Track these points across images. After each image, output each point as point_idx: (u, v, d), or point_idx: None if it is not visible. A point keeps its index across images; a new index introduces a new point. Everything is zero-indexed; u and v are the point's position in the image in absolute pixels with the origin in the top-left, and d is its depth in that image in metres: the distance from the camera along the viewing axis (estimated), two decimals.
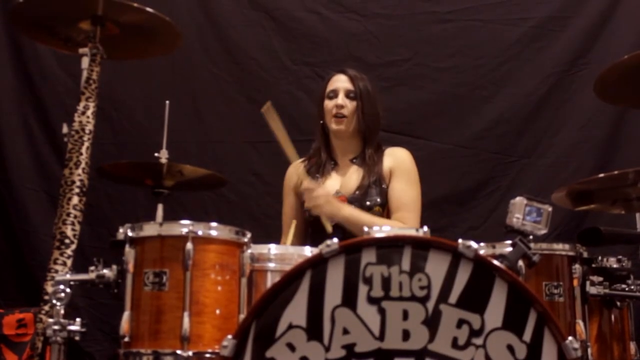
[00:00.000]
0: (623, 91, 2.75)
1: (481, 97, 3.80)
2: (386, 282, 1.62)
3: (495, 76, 3.80)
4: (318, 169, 2.88)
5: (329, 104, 2.84)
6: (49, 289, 2.21)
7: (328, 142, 2.92)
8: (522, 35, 3.82)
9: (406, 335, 1.61)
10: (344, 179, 2.83)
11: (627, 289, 2.23)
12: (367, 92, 2.83)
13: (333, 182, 2.84)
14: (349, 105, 2.80)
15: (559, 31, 3.80)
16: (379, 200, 2.72)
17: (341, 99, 2.80)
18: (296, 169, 2.89)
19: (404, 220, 2.69)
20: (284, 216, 2.94)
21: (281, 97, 3.81)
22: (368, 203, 2.71)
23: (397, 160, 2.81)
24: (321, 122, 2.89)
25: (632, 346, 2.32)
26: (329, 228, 2.64)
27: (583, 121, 3.70)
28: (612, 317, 2.29)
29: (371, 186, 2.74)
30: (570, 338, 1.59)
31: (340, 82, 2.85)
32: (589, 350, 2.15)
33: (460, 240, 1.64)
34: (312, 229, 2.84)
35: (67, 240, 2.42)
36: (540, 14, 3.84)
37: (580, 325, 2.14)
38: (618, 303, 2.26)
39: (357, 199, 2.73)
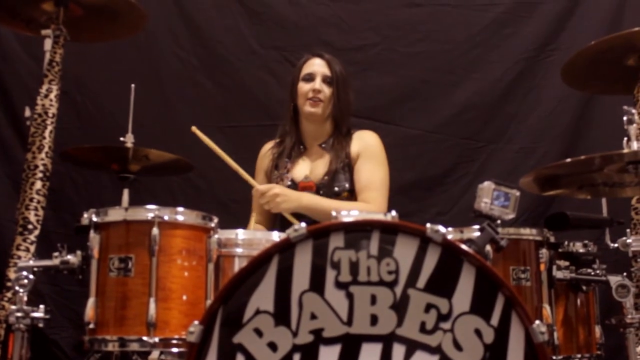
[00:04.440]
0: (590, 77, 2.77)
1: (450, 82, 3.79)
2: (354, 267, 1.61)
3: (464, 61, 3.80)
4: (287, 153, 2.86)
5: (304, 86, 2.81)
6: (12, 275, 2.18)
7: (298, 126, 2.89)
8: (491, 21, 3.82)
9: (374, 320, 1.60)
10: (313, 164, 2.82)
11: (592, 273, 2.27)
12: (343, 78, 2.81)
13: (302, 167, 2.82)
14: (326, 91, 2.79)
15: (528, 17, 3.81)
16: (347, 186, 2.71)
17: (318, 84, 2.78)
18: (269, 151, 2.88)
19: (370, 200, 2.67)
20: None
21: (249, 81, 3.78)
22: (336, 189, 2.70)
23: (365, 142, 2.80)
24: (292, 104, 2.86)
25: (597, 330, 2.35)
26: (294, 221, 2.58)
27: (551, 107, 3.72)
28: (578, 301, 2.32)
29: (339, 172, 2.72)
30: (537, 322, 1.59)
31: (317, 66, 2.83)
32: (555, 334, 2.17)
33: (428, 225, 1.63)
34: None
35: (30, 226, 2.39)
36: (509, 0, 3.84)
37: (546, 309, 2.16)
38: (584, 287, 2.29)
39: (326, 185, 2.72)
